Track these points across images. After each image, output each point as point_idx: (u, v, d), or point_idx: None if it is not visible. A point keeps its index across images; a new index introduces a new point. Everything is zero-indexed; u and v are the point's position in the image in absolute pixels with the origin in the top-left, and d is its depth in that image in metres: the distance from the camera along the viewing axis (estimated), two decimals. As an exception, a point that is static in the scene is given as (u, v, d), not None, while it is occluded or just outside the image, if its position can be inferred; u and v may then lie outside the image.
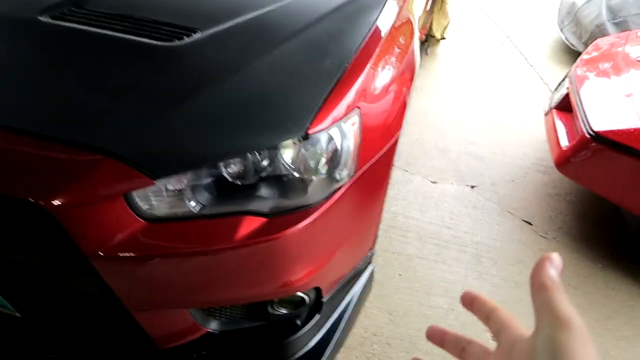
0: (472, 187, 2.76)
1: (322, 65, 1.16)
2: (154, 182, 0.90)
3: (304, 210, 1.03)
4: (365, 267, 1.50)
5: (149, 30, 1.18)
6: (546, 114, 2.76)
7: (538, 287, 0.40)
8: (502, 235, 2.43)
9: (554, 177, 2.91)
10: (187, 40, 1.16)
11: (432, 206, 2.56)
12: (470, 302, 0.51)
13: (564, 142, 2.31)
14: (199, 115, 0.98)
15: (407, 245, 2.27)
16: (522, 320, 0.44)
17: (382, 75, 1.28)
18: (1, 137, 0.92)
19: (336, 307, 1.37)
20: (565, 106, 2.56)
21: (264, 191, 1.01)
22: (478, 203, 2.63)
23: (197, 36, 1.18)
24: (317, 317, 1.27)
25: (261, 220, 0.99)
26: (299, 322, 1.26)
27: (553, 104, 2.69)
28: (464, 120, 3.46)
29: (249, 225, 0.98)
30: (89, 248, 0.91)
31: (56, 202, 0.87)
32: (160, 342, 1.18)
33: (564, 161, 2.24)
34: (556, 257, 0.41)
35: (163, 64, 1.10)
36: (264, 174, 1.00)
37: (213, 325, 1.21)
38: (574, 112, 2.35)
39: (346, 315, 1.38)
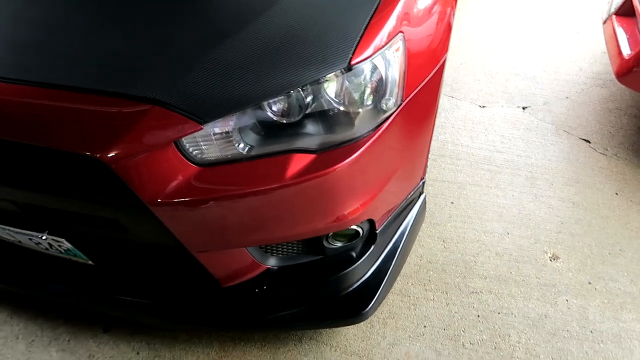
0: (524, 108, 2.64)
1: (359, -10, 1.10)
2: (202, 126, 0.91)
3: (352, 144, 1.02)
4: (417, 197, 1.49)
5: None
6: (604, 22, 2.55)
7: None
8: (557, 155, 2.33)
9: (613, 91, 2.73)
10: (219, -21, 1.13)
11: (482, 131, 2.48)
12: None
13: (626, 51, 2.14)
14: (239, 56, 0.97)
15: (458, 173, 2.23)
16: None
17: (424, -5, 1.21)
18: (52, 95, 0.95)
19: (390, 238, 1.38)
20: (626, 11, 2.35)
21: (310, 128, 1.00)
22: (531, 124, 2.53)
23: (228, -27, 1.14)
24: (372, 248, 1.29)
25: (310, 157, 0.99)
26: (354, 254, 1.28)
27: (612, 10, 2.47)
28: (511, 39, 3.25)
29: (298, 163, 0.98)
30: (148, 196, 0.95)
31: (112, 154, 0.90)
32: (223, 280, 1.24)
33: (627, 71, 2.08)
34: None
35: (199, 8, 1.08)
36: (308, 111, 0.99)
37: (272, 262, 1.25)
38: (637, 16, 2.15)
39: (401, 245, 1.39)
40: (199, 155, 0.97)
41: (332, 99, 0.99)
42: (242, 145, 0.98)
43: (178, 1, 1.10)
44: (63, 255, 1.26)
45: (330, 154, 1.00)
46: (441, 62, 1.24)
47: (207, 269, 1.18)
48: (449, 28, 1.33)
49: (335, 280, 1.28)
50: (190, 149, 0.97)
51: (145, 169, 0.94)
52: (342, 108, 1.00)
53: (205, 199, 0.97)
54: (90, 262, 1.27)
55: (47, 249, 1.23)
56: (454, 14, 1.41)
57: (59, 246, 1.20)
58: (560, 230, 1.93)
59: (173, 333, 1.60)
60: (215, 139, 0.96)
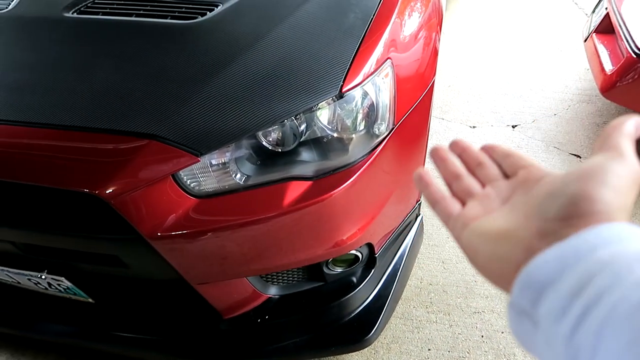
0: (514, 126, 2.68)
1: (346, 21, 1.13)
2: (199, 158, 0.92)
3: (348, 169, 1.03)
4: (414, 219, 1.50)
5: (172, 11, 1.19)
6: (585, 40, 2.62)
7: (609, 130, 0.35)
8: (550, 172, 2.35)
9: (599, 106, 2.78)
10: (209, 15, 1.16)
11: (474, 151, 2.50)
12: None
13: (608, 67, 2.19)
14: (233, 87, 0.99)
15: (452, 193, 2.24)
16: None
17: (410, 23, 1.25)
18: (49, 134, 0.96)
19: (390, 261, 1.39)
20: (606, 28, 2.42)
21: (305, 155, 1.02)
22: (521, 142, 2.56)
23: (219, 10, 1.17)
24: (372, 272, 1.29)
25: (306, 184, 1.01)
26: (355, 279, 1.28)
27: (592, 28, 2.54)
28: (496, 60, 3.33)
29: (295, 190, 1.00)
30: (147, 230, 0.95)
31: (110, 190, 0.91)
32: (224, 312, 1.23)
33: (611, 86, 2.13)
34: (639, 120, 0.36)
35: (191, 42, 1.10)
36: (303, 138, 1.01)
37: (273, 291, 1.25)
38: (617, 33, 2.21)
39: (400, 268, 1.40)
40: (197, 187, 0.98)
41: (325, 126, 1.01)
42: (239, 175, 0.99)
43: (169, 35, 1.13)
44: (62, 294, 1.25)
45: (326, 180, 1.02)
46: (430, 85, 1.27)
47: (208, 300, 1.18)
48: (435, 52, 1.37)
49: (337, 307, 1.28)
50: (188, 182, 0.98)
51: (144, 203, 0.95)
52: (335, 134, 1.02)
53: (204, 231, 0.98)
54: (90, 300, 1.26)
55: (46, 288, 1.22)
56: (439, 39, 1.45)
57: (59, 285, 1.19)
58: (557, 246, 1.93)
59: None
60: (212, 171, 0.98)
